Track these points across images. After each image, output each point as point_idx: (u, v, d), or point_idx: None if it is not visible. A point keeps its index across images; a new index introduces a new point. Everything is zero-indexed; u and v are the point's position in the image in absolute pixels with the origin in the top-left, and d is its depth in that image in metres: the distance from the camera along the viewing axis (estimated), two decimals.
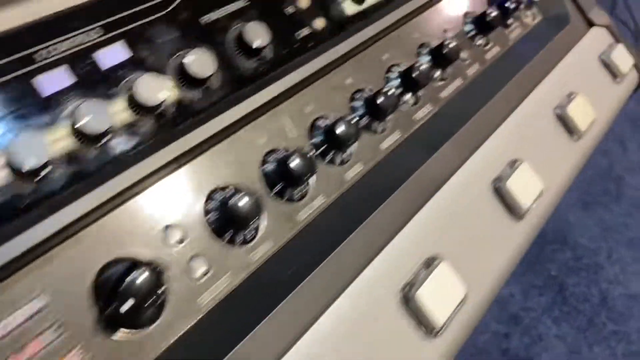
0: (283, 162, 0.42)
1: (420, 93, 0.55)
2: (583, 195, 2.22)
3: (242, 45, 0.43)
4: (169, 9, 0.41)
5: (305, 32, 0.48)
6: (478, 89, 0.59)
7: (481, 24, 0.62)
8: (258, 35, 0.44)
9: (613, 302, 1.98)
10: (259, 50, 0.44)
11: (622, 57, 0.70)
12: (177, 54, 0.40)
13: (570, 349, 1.91)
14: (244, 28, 0.43)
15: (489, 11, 0.62)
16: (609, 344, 1.92)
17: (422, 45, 0.58)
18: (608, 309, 1.98)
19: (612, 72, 0.69)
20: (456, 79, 0.59)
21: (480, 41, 0.63)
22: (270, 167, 0.44)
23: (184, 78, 0.40)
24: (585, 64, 0.67)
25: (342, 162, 0.48)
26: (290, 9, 0.48)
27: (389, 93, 0.50)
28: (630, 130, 2.36)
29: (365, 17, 0.53)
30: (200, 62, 0.40)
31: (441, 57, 0.56)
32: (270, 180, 0.43)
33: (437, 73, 0.57)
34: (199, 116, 0.40)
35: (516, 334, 1.90)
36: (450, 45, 0.56)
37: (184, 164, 0.40)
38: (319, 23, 0.51)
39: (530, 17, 0.70)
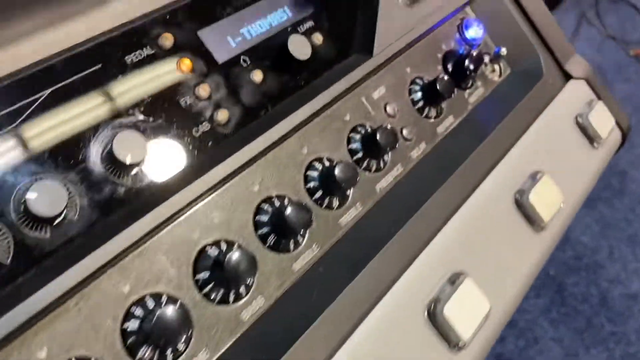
0: None
1: (349, 193, 0.47)
2: None
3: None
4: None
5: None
6: (424, 175, 0.51)
7: (431, 93, 0.53)
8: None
9: (613, 302, 1.92)
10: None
11: (601, 117, 0.61)
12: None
13: (567, 352, 1.86)
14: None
15: (440, 76, 0.53)
16: (607, 346, 1.86)
17: (354, 129, 0.49)
18: (607, 309, 1.92)
19: (589, 136, 0.60)
20: (395, 167, 0.51)
21: (431, 112, 0.54)
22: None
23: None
24: (558, 131, 0.58)
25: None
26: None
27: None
28: (636, 122, 2.25)
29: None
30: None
31: (374, 145, 0.47)
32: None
33: (373, 163, 0.49)
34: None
35: (511, 337, 1.85)
36: (385, 130, 0.47)
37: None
38: (222, 116, 0.43)
39: (497, 73, 0.61)
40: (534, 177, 0.53)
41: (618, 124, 0.63)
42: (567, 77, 0.62)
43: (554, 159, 0.56)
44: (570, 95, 0.61)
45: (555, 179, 0.55)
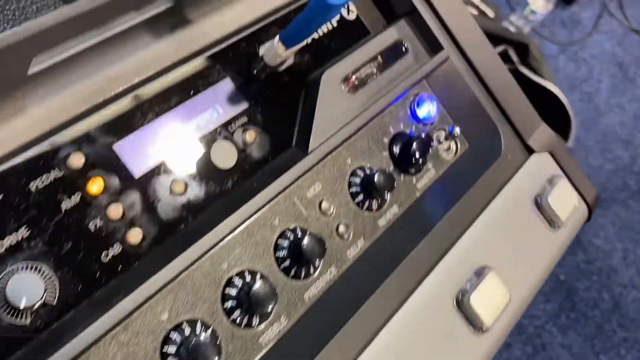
0: None
1: (271, 308, 0.46)
2: (599, 191, 2.07)
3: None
4: None
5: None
6: (359, 277, 0.49)
7: (370, 186, 0.51)
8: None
9: (626, 307, 1.88)
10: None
11: (563, 196, 0.58)
12: None
13: (576, 358, 1.84)
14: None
15: (377, 170, 0.50)
16: (618, 352, 1.83)
17: (283, 234, 0.48)
18: (620, 315, 1.88)
19: (549, 218, 0.57)
20: (328, 270, 0.49)
21: (372, 204, 0.52)
22: None
23: None
24: (513, 214, 0.55)
25: None
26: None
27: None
28: None
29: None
30: None
31: (300, 254, 0.46)
32: None
33: (301, 271, 0.47)
34: None
35: (518, 344, 1.83)
36: (312, 237, 0.46)
37: None
38: (135, 235, 0.42)
39: (452, 151, 0.58)
40: (479, 274, 0.51)
41: (584, 197, 0.60)
42: (530, 151, 0.59)
43: (506, 248, 0.54)
44: (530, 172, 0.58)
45: (506, 271, 0.53)
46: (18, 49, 0.34)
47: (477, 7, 1.86)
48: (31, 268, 0.37)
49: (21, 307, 0.36)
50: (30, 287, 0.36)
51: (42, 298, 0.36)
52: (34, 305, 0.36)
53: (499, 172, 0.57)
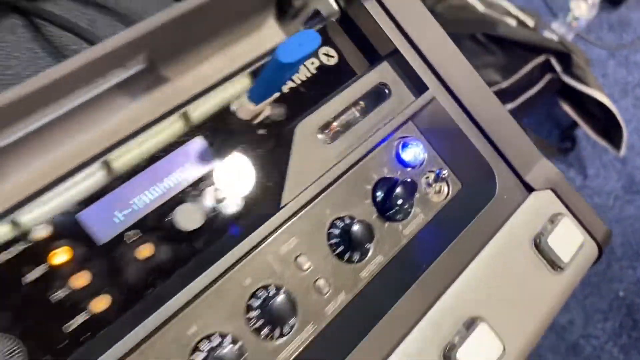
0: None
1: None
2: None
3: None
4: None
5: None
6: (337, 335, 0.48)
7: (350, 238, 0.49)
8: None
9: None
10: None
11: (566, 236, 0.54)
12: None
13: None
14: None
15: (355, 222, 0.49)
16: None
17: (254, 295, 0.47)
18: None
19: (550, 260, 0.54)
20: (305, 328, 0.48)
21: (354, 256, 0.51)
22: None
23: None
24: (510, 258, 0.52)
25: None
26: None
27: None
28: None
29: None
30: None
31: (273, 315, 0.45)
32: None
33: (276, 332, 0.46)
34: None
35: None
36: (286, 296, 0.45)
37: None
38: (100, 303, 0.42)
39: (443, 193, 0.56)
40: (469, 326, 0.49)
41: (592, 236, 0.56)
42: (530, 189, 0.56)
43: (501, 296, 0.51)
44: (529, 212, 0.55)
45: (500, 321, 0.50)
46: None
47: (516, 17, 1.80)
48: None
49: None
50: None
51: None
52: None
53: (494, 214, 0.54)
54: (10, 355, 0.39)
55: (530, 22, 1.81)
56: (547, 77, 1.78)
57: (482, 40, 1.68)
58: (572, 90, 1.76)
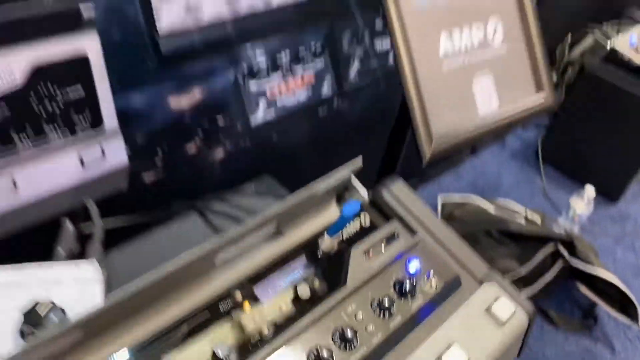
0: None
1: None
2: None
3: None
4: None
5: None
6: None
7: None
8: None
9: None
10: None
11: (504, 306, 0.99)
12: None
13: None
14: None
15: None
16: None
17: None
18: None
19: (496, 318, 0.97)
20: None
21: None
22: None
23: None
24: (468, 321, 0.96)
25: None
26: None
27: None
28: None
29: None
30: None
31: None
32: None
33: None
34: None
35: None
36: None
37: None
38: None
39: (434, 287, 1.02)
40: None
41: (524, 309, 1.00)
42: (480, 282, 1.02)
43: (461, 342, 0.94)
44: (482, 295, 1.00)
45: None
46: None
47: (525, 217, 2.31)
48: None
49: None
50: None
51: None
52: None
53: (459, 298, 1.00)
54: None
55: (537, 220, 2.30)
56: (559, 263, 2.13)
57: (496, 236, 2.14)
58: (583, 273, 2.08)
